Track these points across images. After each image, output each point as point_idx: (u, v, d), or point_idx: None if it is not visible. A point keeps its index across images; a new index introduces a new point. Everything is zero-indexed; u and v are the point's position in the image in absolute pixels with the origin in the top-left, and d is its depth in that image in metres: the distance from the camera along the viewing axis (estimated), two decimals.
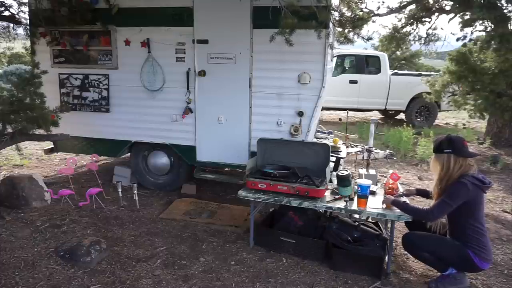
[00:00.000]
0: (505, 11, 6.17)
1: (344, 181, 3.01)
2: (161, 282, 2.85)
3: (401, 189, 3.30)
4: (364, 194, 2.97)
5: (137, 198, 4.18)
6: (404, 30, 8.59)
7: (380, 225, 3.41)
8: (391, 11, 8.06)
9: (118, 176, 4.84)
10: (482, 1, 5.88)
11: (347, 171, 3.07)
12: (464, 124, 10.42)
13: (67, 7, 4.18)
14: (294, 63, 3.90)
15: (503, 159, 6.32)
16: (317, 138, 4.89)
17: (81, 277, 2.87)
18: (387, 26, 9.08)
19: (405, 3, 8.00)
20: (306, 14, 3.22)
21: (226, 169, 4.68)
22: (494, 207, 4.51)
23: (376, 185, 3.55)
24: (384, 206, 3.01)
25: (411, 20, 8.19)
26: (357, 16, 6.70)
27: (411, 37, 8.83)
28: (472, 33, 6.74)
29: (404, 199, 3.04)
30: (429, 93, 8.38)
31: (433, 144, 2.94)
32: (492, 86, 6.54)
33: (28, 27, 4.65)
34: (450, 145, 2.75)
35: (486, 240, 2.72)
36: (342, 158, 4.40)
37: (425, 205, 2.93)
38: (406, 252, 3.18)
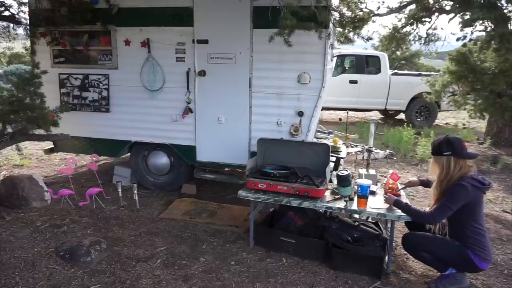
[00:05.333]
0: (505, 11, 6.17)
1: (344, 181, 3.01)
2: (161, 282, 2.85)
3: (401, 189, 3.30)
4: (364, 194, 2.97)
5: (137, 198, 4.18)
6: (404, 30, 8.58)
7: (380, 225, 3.41)
8: (391, 11, 8.06)
9: (118, 176, 4.84)
10: (482, 1, 5.89)
11: (347, 171, 3.07)
12: (464, 124, 10.42)
13: (67, 7, 4.18)
14: (294, 63, 3.90)
15: (503, 159, 6.31)
16: (317, 138, 4.89)
17: (81, 277, 2.87)
18: (387, 26, 9.08)
19: (405, 3, 8.00)
20: (306, 15, 3.22)
21: (226, 169, 4.67)
22: (494, 207, 4.51)
23: (376, 185, 3.55)
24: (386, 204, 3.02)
25: (411, 20, 8.18)
26: (357, 16, 6.70)
27: (411, 37, 8.82)
28: (472, 33, 6.76)
29: (405, 200, 3.03)
30: (429, 93, 8.38)
31: (431, 146, 2.93)
32: (492, 86, 6.54)
33: (28, 27, 4.65)
34: (449, 147, 2.74)
35: (486, 241, 2.72)
36: (342, 158, 4.40)
37: (424, 206, 2.93)
38: (406, 252, 3.18)
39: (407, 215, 2.83)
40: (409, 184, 3.29)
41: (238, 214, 4.08)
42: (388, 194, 3.07)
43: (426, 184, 3.23)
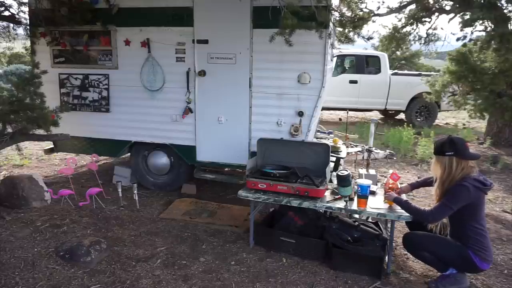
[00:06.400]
0: (505, 11, 6.17)
1: (344, 181, 3.00)
2: (161, 282, 2.85)
3: None
4: (364, 194, 2.97)
5: (137, 198, 4.18)
6: (404, 30, 8.58)
7: (380, 225, 3.41)
8: (391, 11, 8.06)
9: (118, 176, 4.84)
10: (482, 1, 5.88)
11: (347, 171, 3.07)
12: (464, 124, 10.42)
13: (67, 7, 4.18)
14: (294, 63, 3.90)
15: (503, 159, 6.31)
16: (317, 138, 4.89)
17: (81, 277, 2.87)
18: (387, 26, 9.07)
19: (405, 3, 7.99)
20: (306, 15, 3.22)
21: (226, 169, 4.68)
22: (494, 207, 4.50)
23: (376, 185, 3.55)
24: (386, 203, 3.01)
25: (411, 20, 8.18)
26: (358, 16, 6.70)
27: (411, 37, 8.81)
28: (472, 33, 6.74)
29: (405, 198, 3.03)
30: (429, 93, 8.38)
31: (434, 146, 2.92)
32: (492, 86, 6.53)
33: (28, 27, 4.65)
34: (452, 147, 2.73)
35: (486, 241, 2.72)
36: (342, 158, 4.40)
37: (425, 205, 2.93)
38: (406, 252, 3.18)
39: (407, 213, 2.83)
40: (401, 192, 3.17)
41: (238, 214, 4.08)
42: (389, 191, 3.06)
43: (416, 186, 3.24)
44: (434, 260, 2.86)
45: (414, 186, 3.28)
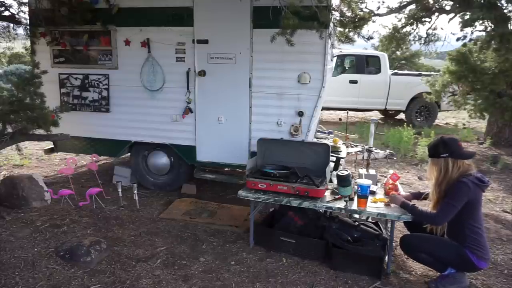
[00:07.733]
0: (505, 11, 6.17)
1: (344, 181, 3.00)
2: (161, 282, 2.85)
3: (401, 189, 3.30)
4: (364, 194, 2.97)
5: (137, 198, 4.18)
6: (404, 30, 8.58)
7: (380, 225, 3.41)
8: (391, 11, 8.07)
9: (118, 176, 4.84)
10: (482, 1, 5.89)
11: (347, 171, 3.07)
12: (464, 124, 10.42)
13: (67, 7, 4.18)
14: (294, 63, 3.90)
15: (503, 159, 6.31)
16: (317, 138, 4.89)
17: (81, 277, 2.87)
18: (387, 26, 9.08)
19: (405, 3, 8.00)
20: (307, 14, 3.22)
21: (226, 169, 4.68)
22: (494, 207, 4.50)
23: (376, 185, 3.55)
24: (390, 203, 3.00)
25: (411, 20, 8.18)
26: (358, 16, 6.70)
27: (411, 37, 8.83)
28: (472, 33, 6.75)
29: (412, 202, 3.00)
30: (429, 93, 8.38)
31: (427, 149, 2.92)
32: (492, 86, 6.54)
33: (28, 27, 4.65)
34: (446, 149, 2.73)
35: (483, 240, 2.72)
36: (342, 158, 4.40)
37: (425, 206, 2.93)
38: None
39: (413, 216, 2.82)
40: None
41: (238, 214, 4.08)
42: (392, 193, 3.05)
43: (417, 196, 3.17)
44: (432, 261, 2.86)
45: (416, 195, 3.19)
